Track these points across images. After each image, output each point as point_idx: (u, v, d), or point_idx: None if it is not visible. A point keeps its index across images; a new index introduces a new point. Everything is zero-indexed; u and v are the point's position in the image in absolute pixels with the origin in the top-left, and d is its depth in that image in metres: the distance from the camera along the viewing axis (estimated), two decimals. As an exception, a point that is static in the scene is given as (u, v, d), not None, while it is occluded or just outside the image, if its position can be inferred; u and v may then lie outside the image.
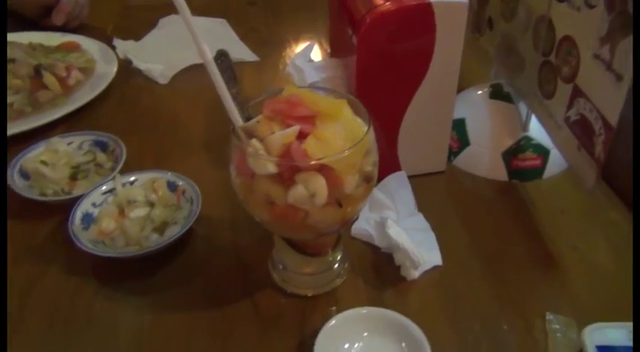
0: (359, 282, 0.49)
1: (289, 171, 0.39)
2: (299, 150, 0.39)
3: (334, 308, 0.47)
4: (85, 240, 0.50)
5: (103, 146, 0.62)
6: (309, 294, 0.48)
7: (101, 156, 0.61)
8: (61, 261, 0.52)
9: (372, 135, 0.41)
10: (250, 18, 1.00)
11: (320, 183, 0.39)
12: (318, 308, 0.47)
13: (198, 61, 0.81)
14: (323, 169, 0.39)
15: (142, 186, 0.55)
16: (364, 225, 0.53)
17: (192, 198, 0.54)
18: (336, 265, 0.49)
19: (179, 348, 0.44)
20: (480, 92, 0.66)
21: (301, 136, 0.39)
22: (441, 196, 0.60)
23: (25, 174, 0.58)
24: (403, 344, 0.41)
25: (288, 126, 0.39)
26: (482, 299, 0.48)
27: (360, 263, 0.51)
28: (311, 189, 0.39)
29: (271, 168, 0.38)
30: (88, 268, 0.51)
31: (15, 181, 0.57)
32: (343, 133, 0.40)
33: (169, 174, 0.56)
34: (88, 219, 0.53)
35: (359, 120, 0.42)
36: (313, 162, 0.38)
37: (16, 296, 0.49)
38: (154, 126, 0.71)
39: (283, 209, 0.40)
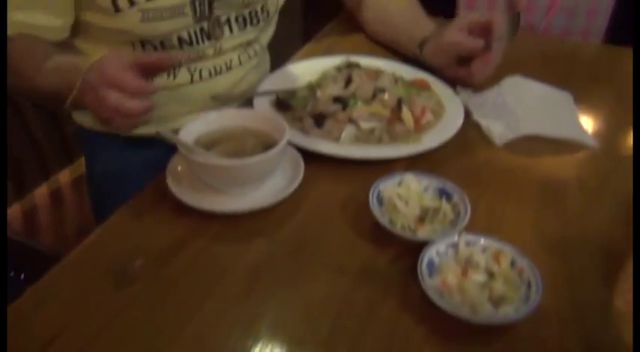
0: None
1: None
2: None
3: None
4: (428, 285, 0.55)
5: (447, 196, 0.67)
6: None
7: (446, 206, 0.65)
8: (398, 293, 0.57)
9: None
10: (594, 96, 0.96)
11: None
12: None
13: (540, 131, 0.83)
14: None
15: (485, 252, 0.58)
16: None
17: (529, 280, 0.55)
18: None
19: None
20: None
21: None
22: None
23: (380, 200, 0.66)
24: None
25: None
26: None
27: None
28: None
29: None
30: (421, 312, 0.55)
31: (374, 204, 0.64)
32: None
33: (513, 249, 0.58)
34: (431, 266, 0.57)
35: None
36: None
37: (357, 318, 0.55)
38: (487, 184, 0.74)
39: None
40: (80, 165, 1.25)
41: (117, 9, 0.82)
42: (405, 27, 1.03)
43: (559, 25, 1.47)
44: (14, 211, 1.17)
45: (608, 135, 0.86)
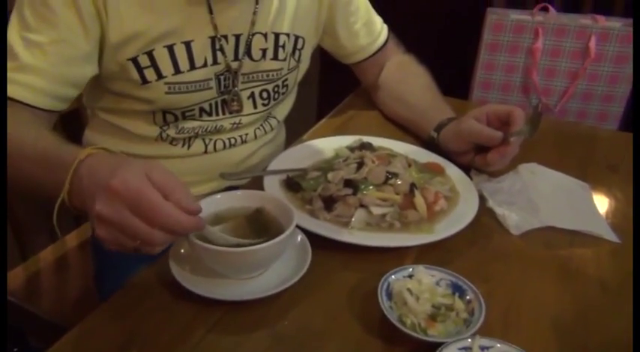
0: None
1: None
2: None
3: None
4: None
5: (460, 292, 0.63)
6: None
7: (459, 304, 0.62)
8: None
9: None
10: (612, 184, 0.94)
11: None
12: None
13: (558, 224, 0.80)
14: None
15: (500, 360, 0.54)
16: None
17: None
18: None
19: None
20: None
21: None
22: None
23: (389, 293, 0.63)
24: None
25: None
26: None
27: None
28: None
29: None
30: None
31: (383, 299, 0.61)
32: None
33: (530, 358, 0.54)
34: (443, 372, 0.53)
35: None
36: None
37: None
38: (502, 278, 0.71)
39: None
40: (88, 228, 1.24)
41: (144, 81, 0.83)
42: (422, 108, 1.03)
43: (575, 108, 1.48)
44: (17, 274, 1.15)
45: (626, 228, 0.82)
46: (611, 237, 0.79)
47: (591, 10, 1.51)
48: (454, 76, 1.46)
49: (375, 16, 1.09)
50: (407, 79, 1.10)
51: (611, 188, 0.93)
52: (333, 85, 1.28)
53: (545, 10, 1.46)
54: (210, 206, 0.68)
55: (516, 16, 1.44)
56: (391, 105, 1.10)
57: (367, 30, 1.07)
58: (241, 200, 0.70)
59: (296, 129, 1.12)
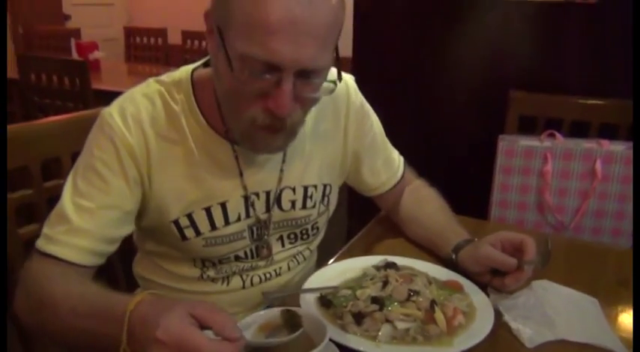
0: None
1: None
2: None
3: None
4: None
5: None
6: None
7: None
8: None
9: None
10: (622, 300, 1.00)
11: None
12: None
13: (571, 338, 0.87)
14: None
15: None
16: None
17: None
18: None
19: None
20: None
21: None
22: None
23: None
24: None
25: None
26: None
27: None
28: None
29: None
30: None
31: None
32: None
33: None
34: None
35: None
36: None
37: None
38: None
39: None
40: None
41: (184, 238, 0.95)
42: (438, 230, 1.13)
43: (589, 225, 1.57)
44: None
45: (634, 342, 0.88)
46: (622, 351, 0.85)
47: (597, 135, 1.65)
48: (475, 196, 1.59)
49: (393, 152, 1.21)
50: (421, 203, 1.20)
51: (622, 304, 0.99)
52: (361, 205, 1.39)
53: (552, 136, 1.61)
54: (256, 322, 0.78)
55: (526, 142, 1.58)
56: (410, 227, 1.20)
57: (387, 166, 1.18)
58: (277, 318, 0.79)
59: (327, 254, 1.20)
